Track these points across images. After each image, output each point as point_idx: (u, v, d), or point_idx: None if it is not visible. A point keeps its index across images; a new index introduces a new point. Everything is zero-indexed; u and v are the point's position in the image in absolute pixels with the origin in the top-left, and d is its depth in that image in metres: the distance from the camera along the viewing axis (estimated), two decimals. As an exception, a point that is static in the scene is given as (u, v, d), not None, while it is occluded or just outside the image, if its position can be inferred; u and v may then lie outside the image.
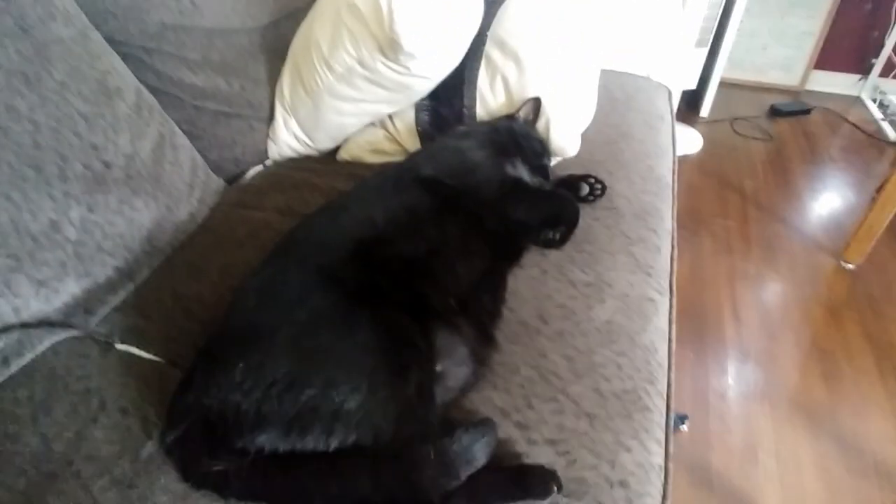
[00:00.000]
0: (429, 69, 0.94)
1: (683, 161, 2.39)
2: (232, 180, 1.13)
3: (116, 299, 0.83)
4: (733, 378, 1.47)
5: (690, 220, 2.03)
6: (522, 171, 0.92)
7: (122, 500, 0.57)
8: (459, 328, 0.69)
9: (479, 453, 0.55)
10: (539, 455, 0.62)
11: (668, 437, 0.68)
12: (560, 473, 0.60)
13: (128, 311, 0.82)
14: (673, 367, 0.78)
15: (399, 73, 0.94)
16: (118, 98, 0.87)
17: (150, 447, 0.60)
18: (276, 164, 1.17)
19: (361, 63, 0.95)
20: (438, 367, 0.65)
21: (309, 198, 1.01)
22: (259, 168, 1.16)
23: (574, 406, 0.66)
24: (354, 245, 0.70)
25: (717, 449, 1.29)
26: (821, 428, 1.34)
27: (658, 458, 0.64)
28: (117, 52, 0.92)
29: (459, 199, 0.79)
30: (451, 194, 0.80)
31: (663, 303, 0.84)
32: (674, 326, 0.84)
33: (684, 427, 1.33)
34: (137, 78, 0.95)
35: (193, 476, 0.56)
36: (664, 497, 0.62)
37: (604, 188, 0.97)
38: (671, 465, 0.65)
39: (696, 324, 1.61)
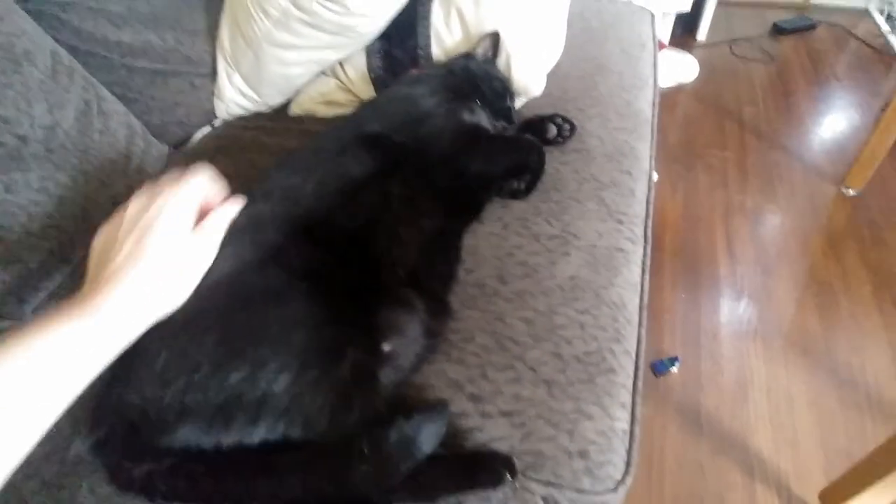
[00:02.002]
0: (368, 6, 0.85)
1: (679, 90, 2.26)
2: (179, 145, 1.06)
3: (52, 284, 0.78)
4: (726, 317, 1.42)
5: (685, 154, 1.93)
6: (481, 116, 0.83)
7: (51, 502, 0.54)
8: (410, 302, 0.63)
9: (424, 444, 0.50)
10: (493, 428, 0.58)
11: (636, 399, 0.63)
12: (515, 447, 0.57)
13: (65, 295, 0.77)
14: (644, 323, 0.72)
15: (337, 12, 0.84)
16: (28, 63, 0.79)
17: (77, 447, 0.57)
18: (226, 123, 1.09)
19: (296, 5, 0.86)
20: (386, 347, 0.59)
21: (258, 160, 0.93)
22: (207, 129, 1.08)
23: (532, 373, 0.61)
24: (289, 221, 0.63)
25: (708, 390, 1.27)
26: (814, 362, 1.30)
27: (622, 424, 0.60)
28: (26, 11, 0.83)
29: (407, 157, 0.72)
30: (398, 152, 0.72)
31: (636, 252, 0.78)
32: (647, 277, 0.78)
33: (674, 369, 1.30)
34: (54, 38, 0.86)
35: (119, 479, 0.52)
36: (628, 464, 0.58)
37: (573, 128, 0.89)
38: (638, 430, 0.61)
39: (689, 263, 1.56)
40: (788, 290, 1.48)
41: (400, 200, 0.68)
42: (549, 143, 0.89)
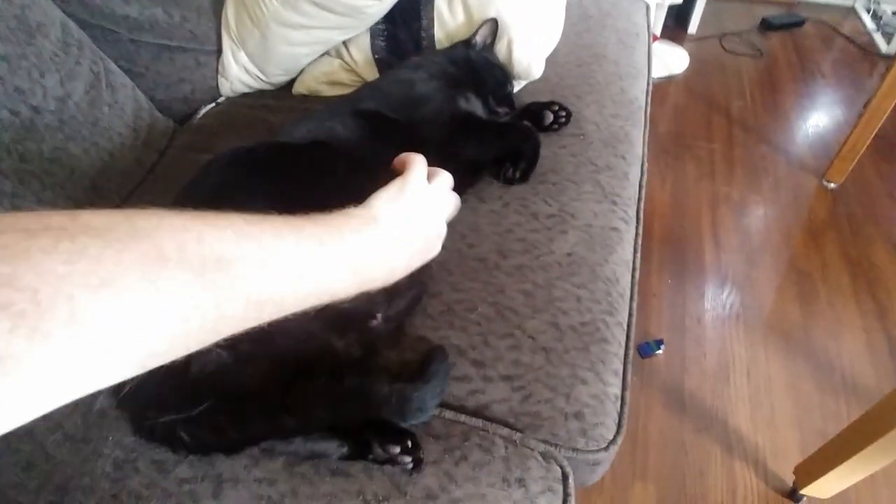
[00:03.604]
0: (377, -11, 0.87)
1: (670, 82, 2.30)
2: (184, 120, 1.07)
3: (63, 252, 0.80)
4: (710, 302, 1.47)
5: (674, 145, 1.98)
6: (476, 105, 0.86)
7: (75, 455, 0.57)
8: None
9: (430, 406, 0.55)
10: (494, 391, 0.62)
11: (627, 368, 0.67)
12: (515, 408, 0.61)
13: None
14: (636, 297, 0.77)
15: (346, -6, 0.86)
16: (41, 35, 0.80)
17: (102, 401, 0.59)
18: (230, 101, 1.10)
19: (305, -15, 0.88)
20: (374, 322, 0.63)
21: (263, 138, 0.96)
22: (211, 106, 1.09)
23: (531, 341, 0.65)
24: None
25: (692, 372, 1.32)
26: (793, 347, 1.36)
27: (615, 389, 0.64)
28: (36, -17, 0.84)
29: (398, 134, 0.75)
30: (389, 128, 0.75)
31: (629, 231, 0.82)
32: (639, 255, 0.82)
33: (660, 352, 1.35)
34: (63, 11, 0.87)
35: (143, 429, 0.55)
36: (619, 426, 0.62)
37: (569, 115, 0.92)
38: (628, 395, 0.65)
39: (676, 250, 1.60)
40: (770, 277, 1.54)
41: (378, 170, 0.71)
42: (546, 129, 0.92)
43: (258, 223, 0.32)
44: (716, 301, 1.48)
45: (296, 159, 0.68)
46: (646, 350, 1.35)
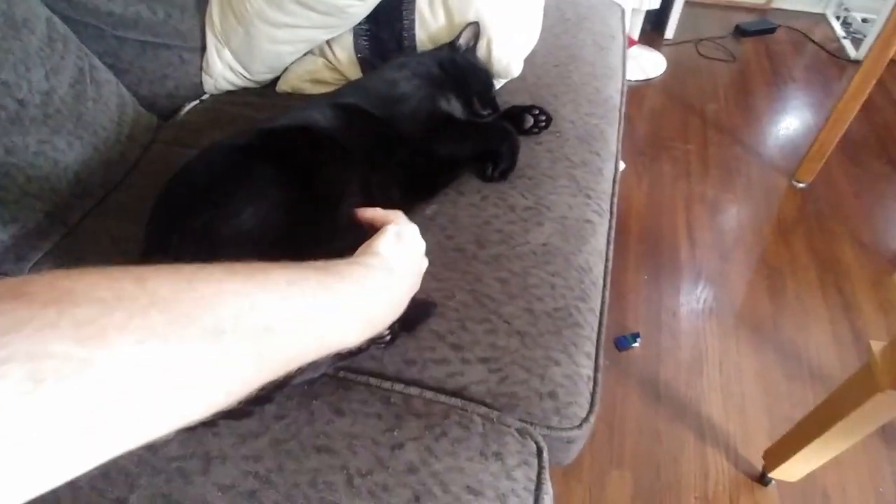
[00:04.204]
0: (359, -12, 0.90)
1: (647, 85, 2.36)
2: (168, 117, 1.08)
3: (48, 244, 0.81)
4: (685, 297, 1.52)
5: (651, 146, 2.03)
6: (456, 107, 0.89)
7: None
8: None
9: None
10: (472, 373, 0.64)
11: (599, 350, 0.71)
12: (493, 389, 0.64)
13: (61, 255, 0.80)
14: (609, 286, 0.80)
15: (329, -6, 0.89)
16: (27, 30, 0.82)
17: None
18: (213, 98, 1.12)
19: (290, -16, 0.90)
20: None
21: (248, 133, 0.98)
22: (195, 103, 1.11)
23: (506, 326, 0.68)
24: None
25: (667, 363, 1.36)
26: (763, 339, 1.41)
27: (587, 370, 0.67)
28: (21, -21, 0.85)
29: (375, 127, 0.77)
30: (366, 120, 0.78)
31: (602, 224, 0.86)
32: (612, 246, 0.86)
33: (636, 345, 1.39)
34: (48, 7, 0.88)
35: None
36: (591, 404, 0.65)
37: (549, 120, 0.95)
38: (600, 376, 0.68)
39: (652, 247, 1.65)
40: (742, 273, 1.59)
41: (353, 162, 0.73)
42: (526, 132, 0.95)
43: (299, 283, 0.34)
44: (690, 296, 1.53)
45: (279, 141, 0.71)
46: (623, 343, 1.39)
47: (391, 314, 0.44)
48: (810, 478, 1.10)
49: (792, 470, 1.07)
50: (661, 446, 1.21)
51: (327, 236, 0.65)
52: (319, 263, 0.38)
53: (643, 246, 1.65)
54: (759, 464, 1.15)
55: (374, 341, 0.63)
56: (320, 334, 0.35)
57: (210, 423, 0.55)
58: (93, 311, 0.23)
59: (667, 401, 1.29)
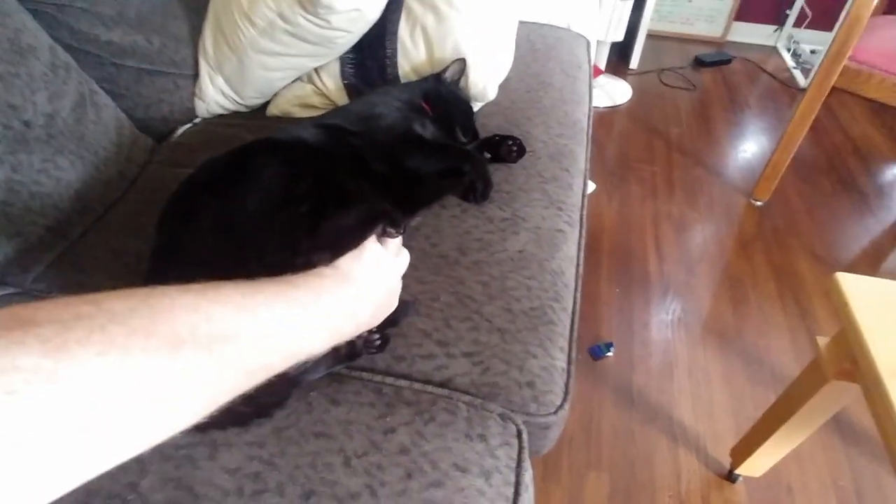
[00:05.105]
0: (348, 23, 0.97)
1: (614, 111, 2.50)
2: (162, 139, 1.14)
3: (51, 256, 0.85)
4: (654, 308, 1.61)
5: (619, 168, 2.14)
6: (430, 131, 0.95)
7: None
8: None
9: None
10: (457, 366, 0.70)
11: (572, 345, 0.77)
12: (476, 380, 0.69)
13: (64, 267, 0.84)
14: (580, 288, 0.87)
15: (320, 26, 0.96)
16: (32, 56, 0.87)
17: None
18: (205, 121, 1.18)
19: (282, 17, 0.97)
20: None
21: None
22: (188, 126, 1.16)
23: (487, 323, 0.74)
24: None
25: (639, 370, 1.43)
26: (728, 346, 1.50)
27: (561, 363, 0.73)
28: (27, 10, 0.91)
29: (354, 141, 0.84)
30: (348, 135, 0.85)
31: (573, 233, 0.93)
32: (582, 253, 0.93)
33: (610, 354, 1.46)
34: (50, 35, 0.94)
35: None
36: (565, 393, 0.71)
37: (521, 150, 1.01)
38: (573, 368, 0.74)
39: (623, 262, 1.74)
40: (707, 285, 1.69)
41: (339, 171, 0.80)
42: (503, 160, 1.01)
43: (252, 295, 0.36)
44: (659, 307, 1.61)
45: (275, 144, 0.80)
46: (597, 352, 1.46)
47: (355, 324, 0.46)
48: (775, 474, 1.18)
49: (756, 464, 1.14)
50: (636, 449, 1.27)
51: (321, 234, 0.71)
52: (275, 278, 0.39)
53: (615, 261, 1.74)
54: (727, 462, 1.22)
55: (367, 347, 0.69)
56: (280, 342, 0.36)
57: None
58: (55, 329, 0.25)
59: (640, 406, 1.35)
